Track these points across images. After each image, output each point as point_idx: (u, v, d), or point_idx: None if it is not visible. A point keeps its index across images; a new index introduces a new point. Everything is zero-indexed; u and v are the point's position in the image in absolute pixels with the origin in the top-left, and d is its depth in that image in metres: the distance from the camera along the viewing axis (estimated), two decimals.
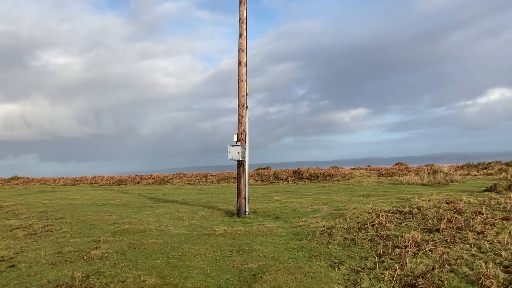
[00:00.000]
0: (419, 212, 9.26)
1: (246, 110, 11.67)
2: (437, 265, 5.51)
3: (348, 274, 5.64)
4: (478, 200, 10.67)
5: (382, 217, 8.90)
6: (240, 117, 11.63)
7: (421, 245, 6.58)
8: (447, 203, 10.16)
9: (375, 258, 6.12)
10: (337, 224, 8.82)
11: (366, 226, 8.32)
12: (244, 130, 11.59)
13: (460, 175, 23.79)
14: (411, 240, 6.76)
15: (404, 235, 7.14)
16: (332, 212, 10.65)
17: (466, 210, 9.12)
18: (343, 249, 6.92)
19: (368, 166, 34.04)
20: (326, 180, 25.59)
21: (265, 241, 7.87)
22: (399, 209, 10.00)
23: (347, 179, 25.12)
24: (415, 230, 7.58)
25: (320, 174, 26.65)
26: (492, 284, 4.76)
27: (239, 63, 11.68)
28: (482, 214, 8.50)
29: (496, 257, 5.72)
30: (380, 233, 7.60)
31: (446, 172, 23.59)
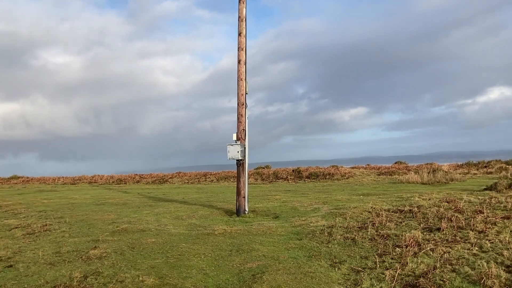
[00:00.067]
0: (419, 211, 9.22)
1: (245, 109, 11.61)
2: (438, 265, 5.47)
3: (348, 274, 5.59)
4: (479, 199, 10.62)
5: (382, 216, 8.86)
6: (239, 116, 11.58)
7: (422, 244, 6.53)
8: (447, 202, 10.12)
9: (375, 258, 6.07)
10: (337, 223, 8.78)
11: (366, 225, 8.27)
12: (243, 129, 11.53)
13: (460, 173, 23.77)
14: (411, 240, 6.72)
15: (405, 234, 7.09)
16: (332, 211, 10.61)
17: (466, 209, 9.08)
18: (343, 248, 6.88)
19: (368, 165, 34.01)
20: (325, 179, 25.55)
21: (264, 240, 7.82)
22: (399, 208, 9.96)
23: (347, 178, 25.08)
24: (415, 229, 7.54)
25: (319, 173, 26.61)
26: (494, 284, 4.71)
27: (239, 62, 11.62)
28: (483, 213, 8.46)
29: (497, 256, 5.67)
30: (380, 233, 7.56)
31: (446, 170, 23.56)
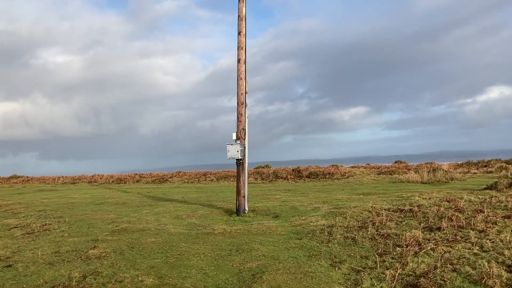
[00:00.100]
0: (419, 210, 9.20)
1: (245, 108, 11.58)
2: (439, 265, 5.44)
3: (348, 274, 5.56)
4: (479, 198, 10.60)
5: (382, 216, 8.83)
6: (239, 115, 11.54)
7: (422, 244, 6.50)
8: (447, 201, 10.09)
9: (376, 258, 6.04)
10: (337, 222, 8.75)
11: (366, 224, 8.25)
12: (243, 128, 11.50)
13: (460, 173, 23.75)
14: (412, 239, 6.69)
15: (405, 233, 7.06)
16: (332, 210, 10.58)
17: (467, 208, 9.06)
18: (343, 248, 6.85)
19: (368, 164, 34.00)
20: (325, 178, 25.52)
21: (264, 240, 7.79)
22: (399, 207, 9.94)
23: (346, 177, 25.06)
24: (416, 229, 7.51)
25: (319, 173, 26.59)
26: (495, 284, 4.69)
27: (238, 61, 11.59)
28: (484, 212, 8.43)
29: (498, 256, 5.65)
30: (380, 232, 7.53)
31: (446, 170, 23.53)
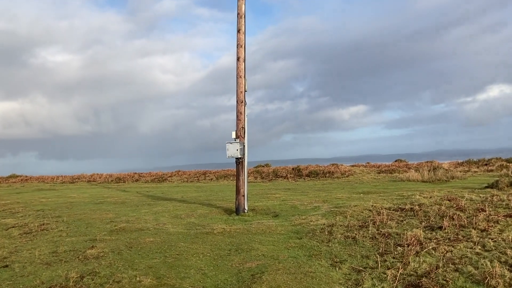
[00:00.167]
0: (420, 209, 9.12)
1: (244, 106, 11.50)
2: (441, 264, 5.37)
3: (349, 274, 5.49)
4: (480, 197, 10.52)
5: (383, 215, 8.76)
6: (238, 114, 11.46)
7: (423, 243, 6.43)
8: (448, 200, 10.02)
9: (377, 257, 5.97)
10: (338, 222, 8.68)
11: (367, 224, 8.18)
12: (242, 127, 11.42)
13: (460, 171, 23.69)
14: (413, 238, 6.62)
15: (406, 233, 7.00)
16: (332, 209, 10.51)
17: (468, 207, 8.98)
18: (344, 247, 6.78)
19: (368, 163, 33.95)
20: (325, 177, 25.46)
21: (264, 239, 7.72)
22: (400, 206, 9.87)
23: (346, 176, 25.00)
24: (417, 228, 7.44)
25: (319, 171, 26.52)
26: (498, 283, 4.61)
27: (238, 59, 11.50)
28: (485, 211, 8.36)
29: (501, 255, 5.57)
30: (381, 231, 7.46)
31: (447, 168, 23.47)
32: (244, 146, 11.34)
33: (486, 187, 13.82)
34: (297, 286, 5.10)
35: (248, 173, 11.95)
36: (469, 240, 6.43)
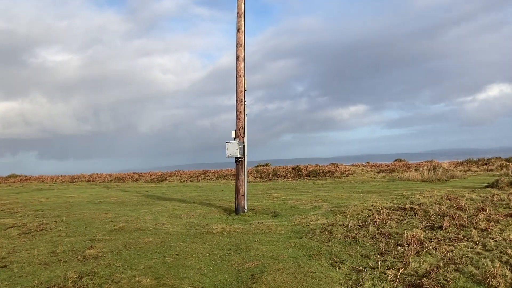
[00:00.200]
0: (420, 209, 9.09)
1: (244, 106, 11.46)
2: (441, 264, 5.33)
3: (349, 274, 5.46)
4: (481, 196, 10.49)
5: (383, 214, 8.73)
6: (238, 113, 11.43)
7: (424, 243, 6.40)
8: (449, 200, 9.99)
9: (377, 257, 5.94)
10: (338, 221, 8.65)
11: (367, 223, 8.15)
12: (242, 126, 11.38)
13: (460, 171, 23.67)
14: (413, 238, 6.59)
15: (407, 232, 6.96)
16: (332, 209, 10.47)
17: (468, 206, 8.95)
18: (344, 247, 6.74)
19: (368, 162, 33.94)
20: (325, 176, 25.44)
21: (264, 239, 7.69)
22: (400, 206, 9.83)
23: (346, 176, 24.97)
24: (417, 228, 7.41)
25: (319, 171, 26.49)
26: (499, 284, 4.58)
27: (237, 58, 11.47)
28: (486, 210, 8.32)
29: (502, 255, 5.54)
30: (381, 231, 7.43)
31: (446, 168, 23.45)
32: (243, 145, 11.30)
33: (486, 186, 13.79)
34: (297, 286, 5.07)
35: (247, 172, 11.92)
36: (469, 240, 6.40)
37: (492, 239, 6.31)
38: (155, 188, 23.80)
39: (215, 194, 17.55)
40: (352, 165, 30.46)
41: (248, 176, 14.12)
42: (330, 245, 6.94)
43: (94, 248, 7.29)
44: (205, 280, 5.45)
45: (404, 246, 6.33)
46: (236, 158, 11.26)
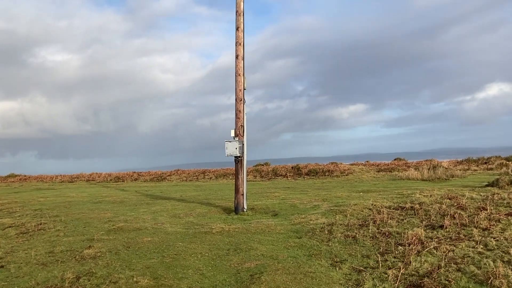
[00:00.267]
0: (421, 208, 9.04)
1: (243, 104, 11.40)
2: (442, 264, 5.28)
3: (350, 274, 5.40)
4: (481, 195, 10.43)
5: (383, 214, 8.68)
6: (237, 112, 11.37)
7: (425, 242, 6.35)
8: (449, 199, 9.94)
9: (377, 257, 5.89)
10: (337, 220, 8.59)
11: (367, 222, 8.09)
12: (241, 125, 11.32)
13: (460, 170, 23.62)
14: (414, 238, 6.53)
15: (407, 232, 6.91)
16: (332, 208, 10.42)
17: (469, 205, 8.89)
18: (344, 247, 6.69)
19: (367, 161, 33.89)
20: (325, 176, 25.38)
21: (263, 239, 7.63)
22: (400, 205, 9.78)
23: (346, 175, 24.92)
24: (418, 227, 7.36)
25: (319, 170, 26.43)
26: (502, 284, 4.53)
27: (236, 57, 11.40)
28: (486, 209, 8.27)
29: (504, 255, 5.49)
30: (382, 230, 7.38)
31: (446, 167, 23.40)
32: (243, 144, 11.24)
33: (487, 185, 13.74)
34: (296, 286, 5.02)
35: (247, 172, 11.86)
36: (471, 239, 6.35)
37: (494, 238, 6.26)
38: (155, 187, 23.74)
39: (214, 193, 17.49)
40: (352, 164, 30.41)
41: (247, 175, 14.03)
42: (330, 244, 6.89)
43: (92, 248, 7.24)
44: (204, 280, 5.40)
45: (404, 245, 6.28)
46: (235, 157, 11.20)
